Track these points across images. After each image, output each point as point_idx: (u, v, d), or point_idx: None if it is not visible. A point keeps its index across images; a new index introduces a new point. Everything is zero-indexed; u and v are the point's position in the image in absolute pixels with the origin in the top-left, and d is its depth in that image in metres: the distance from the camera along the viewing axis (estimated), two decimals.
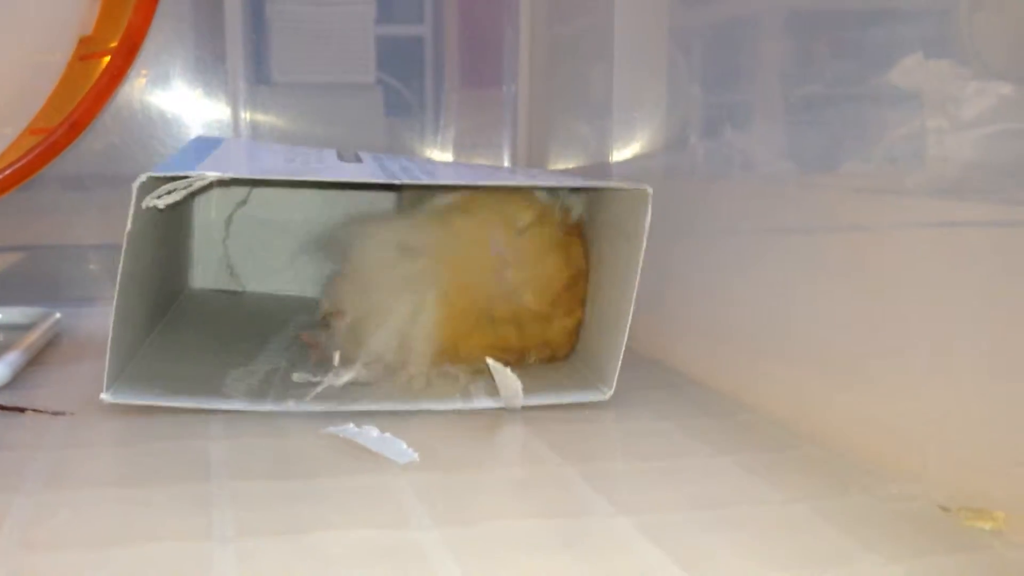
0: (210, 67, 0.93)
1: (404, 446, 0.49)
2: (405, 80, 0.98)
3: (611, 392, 0.58)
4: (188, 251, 0.84)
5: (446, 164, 0.84)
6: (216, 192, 0.85)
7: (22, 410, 0.56)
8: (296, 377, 0.60)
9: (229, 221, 0.85)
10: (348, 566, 0.37)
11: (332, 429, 0.52)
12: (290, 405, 0.56)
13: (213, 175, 0.52)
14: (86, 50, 0.71)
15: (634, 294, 0.57)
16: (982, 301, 0.43)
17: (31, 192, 0.89)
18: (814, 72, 0.54)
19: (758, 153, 0.59)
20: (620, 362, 0.57)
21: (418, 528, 0.40)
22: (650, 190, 0.56)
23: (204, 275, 0.85)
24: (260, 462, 0.48)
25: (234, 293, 0.85)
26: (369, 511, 0.42)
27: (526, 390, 0.56)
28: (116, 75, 0.67)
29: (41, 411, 0.56)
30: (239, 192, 0.85)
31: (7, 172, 0.64)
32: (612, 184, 0.61)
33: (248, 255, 0.85)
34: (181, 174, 0.52)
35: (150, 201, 0.52)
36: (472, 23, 1.01)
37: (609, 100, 0.77)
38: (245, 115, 0.95)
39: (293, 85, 0.96)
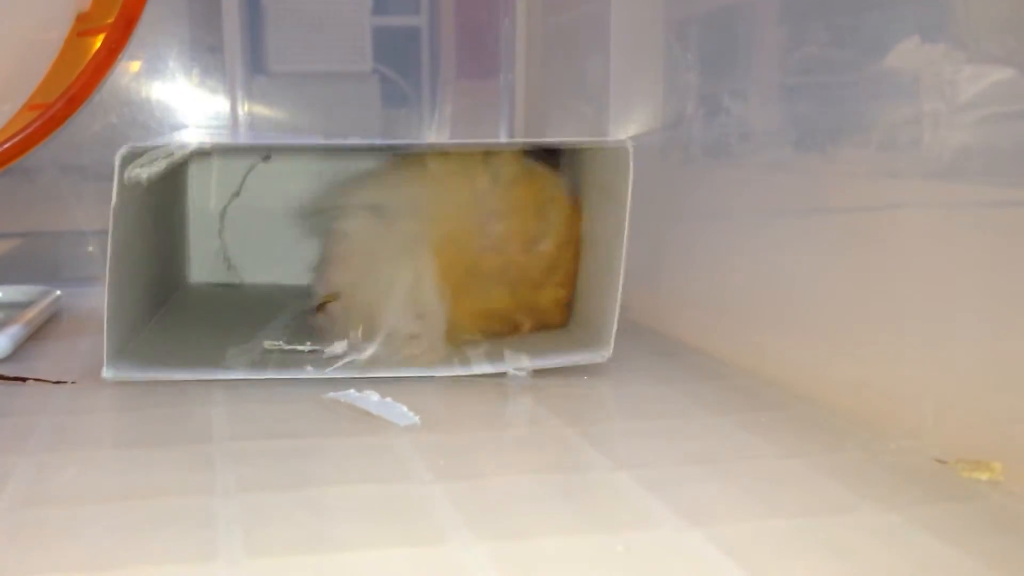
0: (207, 55, 0.94)
1: (405, 409, 0.50)
2: (401, 71, 0.98)
3: (609, 354, 0.58)
4: (184, 246, 0.84)
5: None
6: (213, 184, 0.84)
7: (23, 380, 0.56)
8: (302, 347, 0.60)
9: (224, 214, 0.84)
10: (351, 518, 0.37)
11: (333, 394, 0.52)
12: (308, 371, 0.56)
13: (194, 143, 0.52)
14: (83, 26, 0.71)
15: (623, 253, 0.57)
16: (977, 273, 0.43)
17: (30, 180, 0.89)
18: (809, 58, 0.54)
19: (754, 139, 0.60)
20: (616, 324, 0.58)
21: (420, 482, 0.41)
22: (631, 146, 0.56)
23: (201, 270, 0.85)
24: (261, 425, 0.49)
25: (233, 286, 0.84)
26: (371, 468, 0.42)
27: (525, 354, 0.57)
28: (113, 50, 0.67)
29: (43, 380, 0.56)
30: (232, 182, 0.84)
31: (6, 146, 0.64)
32: (589, 141, 0.60)
33: (245, 247, 0.85)
34: (161, 143, 0.52)
35: (132, 171, 0.52)
36: (468, 13, 1.01)
37: (606, 88, 0.77)
38: (243, 105, 0.95)
39: (289, 75, 0.96)
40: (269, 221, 0.83)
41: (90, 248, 0.92)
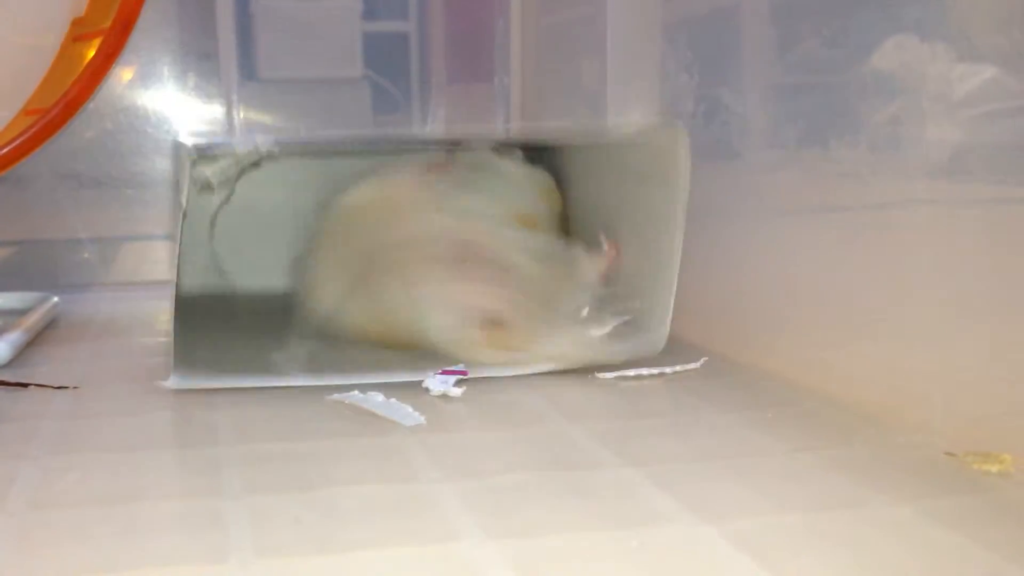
0: (201, 61, 0.93)
1: (410, 409, 0.49)
2: (391, 76, 0.98)
3: (665, 339, 0.58)
4: (174, 255, 0.82)
5: None
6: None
7: (25, 386, 0.56)
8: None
9: (214, 221, 0.81)
10: (360, 518, 0.37)
11: (337, 396, 0.52)
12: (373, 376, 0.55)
13: (265, 144, 0.52)
14: (79, 31, 0.71)
15: (680, 237, 0.57)
16: (981, 267, 0.43)
17: (26, 187, 0.89)
18: (805, 57, 0.54)
19: (751, 140, 0.60)
20: (671, 312, 0.58)
21: (428, 482, 0.40)
22: (684, 131, 0.57)
23: (193, 278, 0.83)
24: (267, 428, 0.48)
25: (225, 294, 0.81)
26: (378, 468, 0.42)
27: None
28: (110, 55, 0.67)
29: (44, 386, 0.55)
30: (225, 187, 0.82)
31: (3, 151, 0.64)
32: (646, 127, 0.60)
33: (236, 254, 0.81)
34: (225, 143, 0.52)
35: (197, 171, 0.52)
36: (460, 18, 1.01)
37: (603, 90, 0.77)
38: (239, 112, 0.94)
39: (280, 81, 0.96)
40: (260, 227, 0.80)
41: (86, 255, 0.92)
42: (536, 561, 0.33)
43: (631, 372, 0.57)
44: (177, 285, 0.53)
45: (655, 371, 0.57)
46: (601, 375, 0.57)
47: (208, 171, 0.52)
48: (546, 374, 0.57)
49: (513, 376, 0.57)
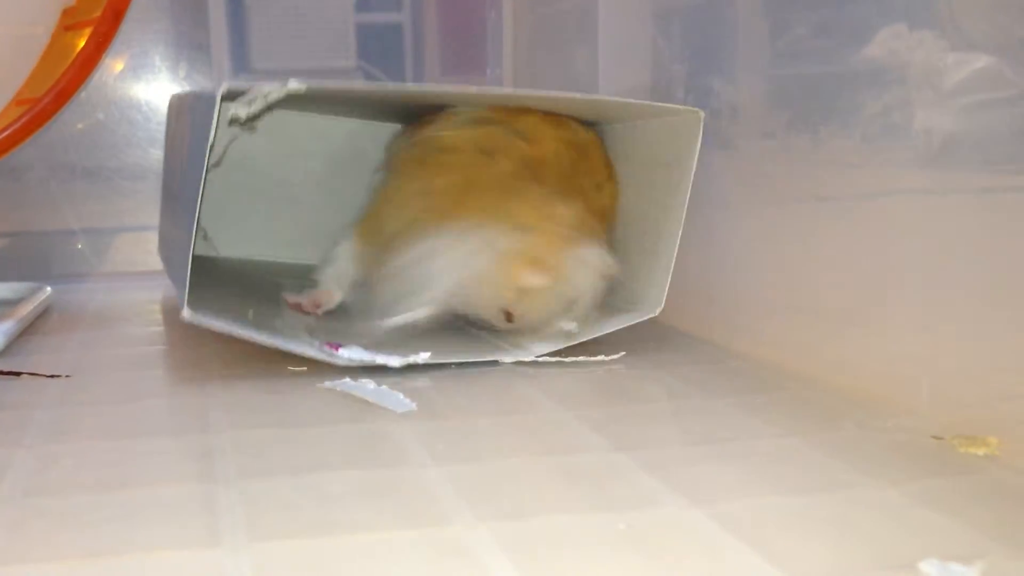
0: (193, 51, 0.93)
1: (402, 396, 0.50)
2: (385, 67, 0.98)
3: (661, 308, 0.59)
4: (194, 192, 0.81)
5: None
6: None
7: (18, 374, 0.56)
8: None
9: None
10: (352, 502, 0.37)
11: (329, 383, 0.52)
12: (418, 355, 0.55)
13: (295, 85, 0.52)
14: (70, 20, 0.71)
15: (683, 216, 0.58)
16: (968, 254, 0.44)
17: (18, 178, 0.89)
18: (796, 47, 0.55)
19: (742, 129, 0.60)
20: (669, 279, 0.59)
21: (420, 466, 0.41)
22: (702, 113, 0.58)
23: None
24: (258, 414, 0.48)
25: (209, 258, 0.80)
26: (370, 454, 0.43)
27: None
28: (100, 44, 0.67)
29: (37, 374, 0.56)
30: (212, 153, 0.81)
31: None
32: (666, 106, 0.60)
33: (221, 219, 0.81)
34: (258, 85, 0.52)
35: (233, 111, 0.52)
36: (453, 9, 1.01)
37: (595, 80, 0.77)
38: None
39: (273, 72, 0.96)
40: (247, 194, 0.80)
41: (79, 245, 0.92)
42: (525, 543, 0.33)
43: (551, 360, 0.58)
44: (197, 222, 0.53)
45: (581, 359, 0.58)
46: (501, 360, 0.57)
47: (236, 106, 0.52)
48: (534, 362, 0.57)
49: (503, 366, 0.57)
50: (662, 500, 0.37)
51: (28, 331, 0.68)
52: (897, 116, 0.47)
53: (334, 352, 0.54)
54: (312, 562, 0.32)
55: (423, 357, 0.55)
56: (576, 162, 0.61)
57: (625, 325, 0.59)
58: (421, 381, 0.54)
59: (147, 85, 0.92)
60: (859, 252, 0.50)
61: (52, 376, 0.55)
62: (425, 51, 0.99)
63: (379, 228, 0.62)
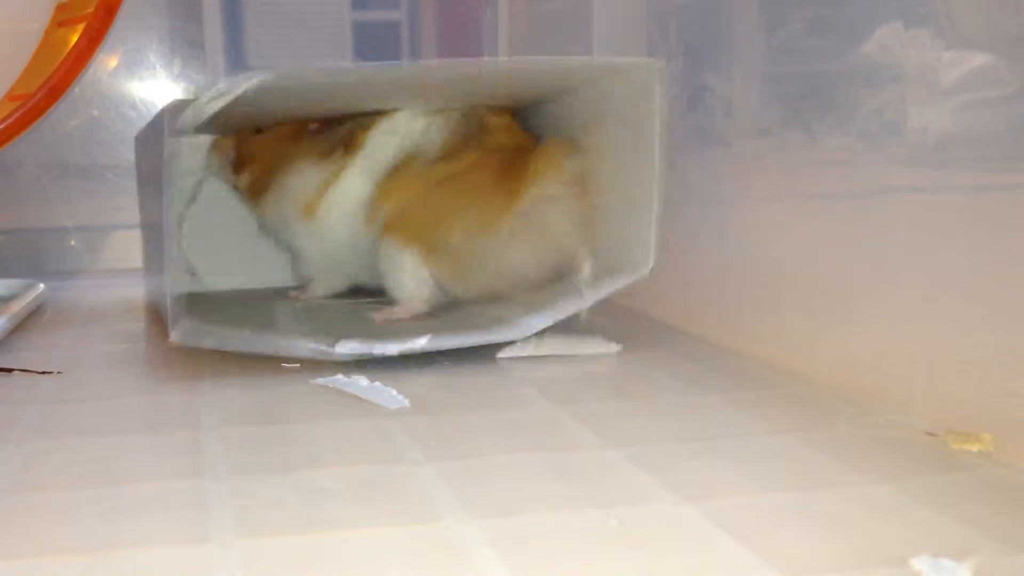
0: (187, 48, 0.93)
1: (395, 393, 0.50)
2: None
3: (651, 267, 0.58)
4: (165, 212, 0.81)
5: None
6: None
7: (9, 371, 0.55)
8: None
9: (181, 221, 0.79)
10: (342, 498, 0.37)
11: (321, 380, 0.52)
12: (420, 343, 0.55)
13: (262, 75, 0.51)
14: (63, 16, 0.71)
15: (656, 174, 0.57)
16: (962, 251, 0.43)
17: (11, 176, 0.89)
18: (792, 45, 0.54)
19: (738, 126, 0.60)
20: (655, 237, 0.58)
21: (411, 463, 0.40)
22: (660, 64, 0.57)
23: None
24: (250, 411, 0.48)
25: (198, 295, 0.79)
26: (361, 450, 0.42)
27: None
28: (93, 39, 0.67)
29: (29, 371, 0.55)
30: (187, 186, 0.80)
31: None
32: (616, 61, 0.60)
33: (206, 254, 0.80)
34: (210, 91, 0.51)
35: (201, 105, 0.51)
36: (450, 7, 1.01)
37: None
38: None
39: (269, 70, 0.95)
40: (228, 225, 0.79)
41: (72, 243, 0.91)
42: (515, 539, 0.33)
43: (541, 353, 0.58)
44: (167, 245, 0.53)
45: (567, 354, 0.58)
46: (503, 356, 0.58)
47: (208, 103, 0.51)
48: (530, 358, 0.57)
49: (494, 360, 0.57)
50: (654, 496, 0.37)
51: (21, 328, 0.67)
52: (892, 113, 0.47)
53: (331, 349, 0.54)
54: (301, 558, 0.32)
55: (421, 343, 0.55)
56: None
57: (618, 287, 0.59)
58: (414, 377, 0.53)
59: (141, 82, 0.92)
60: (853, 249, 0.50)
61: (44, 372, 0.55)
62: (422, 49, 0.99)
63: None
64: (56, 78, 0.66)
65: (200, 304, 0.73)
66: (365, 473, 0.39)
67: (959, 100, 0.43)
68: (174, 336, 0.52)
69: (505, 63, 0.60)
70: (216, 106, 0.51)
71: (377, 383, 0.51)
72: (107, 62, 0.90)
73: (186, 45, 0.93)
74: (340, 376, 0.52)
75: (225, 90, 0.52)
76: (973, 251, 0.43)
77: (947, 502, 0.36)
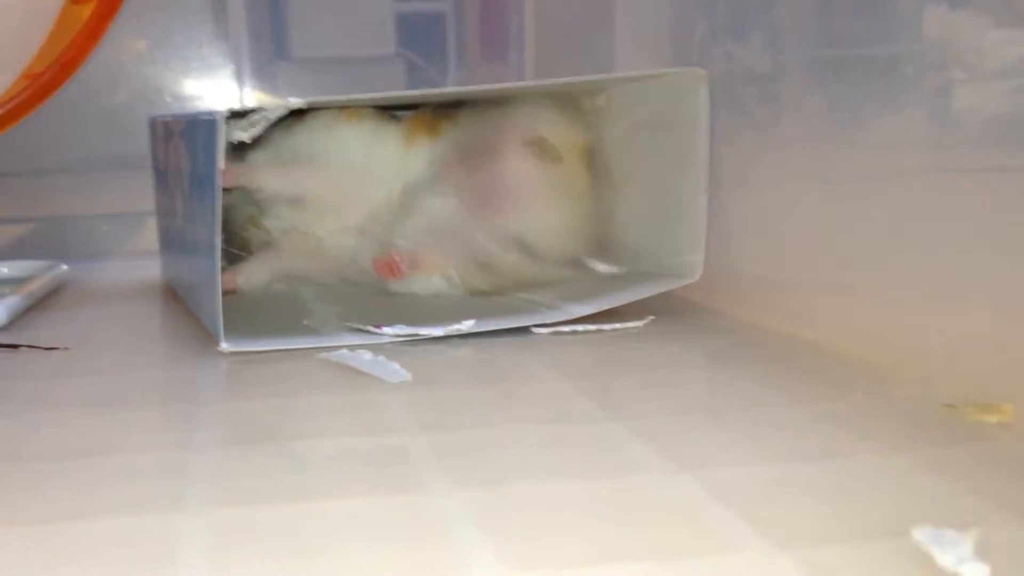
0: (216, 33, 0.93)
1: (397, 366, 0.48)
2: (426, 55, 0.97)
3: (700, 273, 0.59)
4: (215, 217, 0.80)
5: None
6: None
7: (16, 347, 0.55)
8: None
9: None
10: (327, 469, 0.36)
11: (325, 355, 0.51)
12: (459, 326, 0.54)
13: (296, 102, 0.51)
14: None
15: (704, 176, 0.58)
16: (985, 222, 0.42)
17: (41, 162, 0.89)
18: (836, 28, 0.52)
19: (765, 112, 0.58)
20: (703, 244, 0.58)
21: (404, 434, 0.39)
22: (703, 72, 0.57)
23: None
24: (251, 386, 0.47)
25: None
26: (355, 422, 0.41)
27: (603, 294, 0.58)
28: (105, 16, 0.67)
29: (35, 347, 0.55)
30: None
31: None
32: (659, 72, 0.60)
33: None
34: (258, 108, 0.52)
35: (235, 135, 0.52)
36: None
37: (610, 66, 0.76)
38: (250, 91, 0.94)
39: (313, 60, 0.95)
40: None
41: (104, 227, 0.91)
42: (498, 510, 0.32)
43: (566, 329, 0.56)
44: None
45: (592, 327, 0.56)
46: (537, 330, 0.56)
47: (237, 130, 0.52)
48: (542, 335, 0.56)
49: (500, 337, 0.55)
50: (650, 466, 0.35)
51: (39, 307, 0.67)
52: (937, 95, 0.44)
53: (378, 331, 0.54)
54: (275, 527, 0.31)
55: (467, 325, 0.54)
56: None
57: (662, 290, 0.59)
58: (415, 351, 0.52)
59: (170, 67, 0.91)
60: (874, 218, 0.48)
61: (50, 348, 0.55)
62: (467, 39, 0.98)
63: None
64: (67, 56, 0.66)
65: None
66: (354, 444, 0.38)
67: (1007, 83, 0.41)
68: (225, 346, 0.52)
69: (549, 84, 0.61)
70: (247, 136, 0.52)
71: (381, 357, 0.50)
72: (135, 46, 0.90)
73: (215, 30, 0.93)
74: (344, 351, 0.51)
75: (257, 119, 0.52)
76: (997, 223, 0.41)
77: (958, 473, 0.34)
